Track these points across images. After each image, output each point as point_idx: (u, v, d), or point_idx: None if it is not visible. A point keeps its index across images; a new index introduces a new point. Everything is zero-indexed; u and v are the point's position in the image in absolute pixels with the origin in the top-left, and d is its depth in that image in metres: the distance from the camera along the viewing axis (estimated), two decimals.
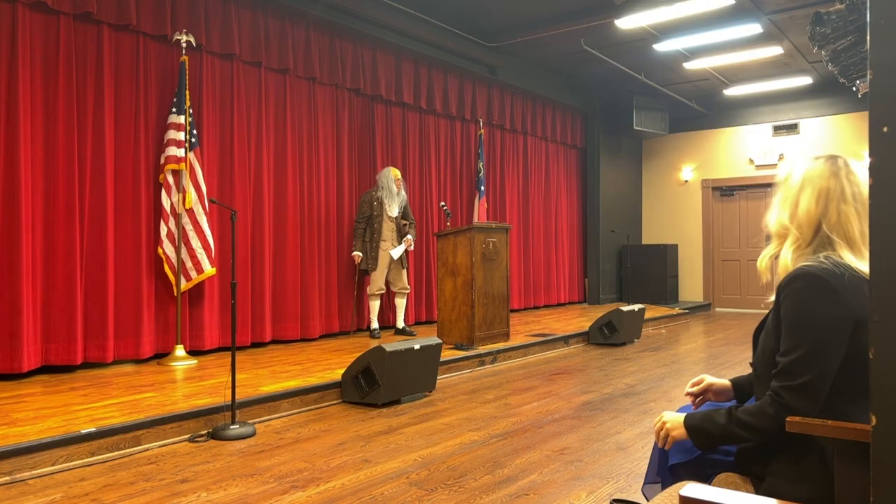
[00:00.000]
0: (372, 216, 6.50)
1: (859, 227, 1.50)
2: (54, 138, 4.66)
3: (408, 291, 6.76)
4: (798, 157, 1.65)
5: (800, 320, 1.45)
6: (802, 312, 1.45)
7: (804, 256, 1.53)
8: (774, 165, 10.67)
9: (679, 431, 1.65)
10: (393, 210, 6.53)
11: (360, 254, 6.48)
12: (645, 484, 1.97)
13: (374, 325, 6.62)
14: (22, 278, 4.37)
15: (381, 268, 6.53)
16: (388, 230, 6.55)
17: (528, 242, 9.66)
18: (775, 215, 1.62)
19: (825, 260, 1.47)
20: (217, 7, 5.61)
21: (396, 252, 6.50)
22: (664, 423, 1.68)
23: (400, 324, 6.71)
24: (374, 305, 6.62)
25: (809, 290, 1.45)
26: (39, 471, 2.97)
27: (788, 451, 1.58)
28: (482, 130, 8.52)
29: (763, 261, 1.63)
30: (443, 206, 6.65)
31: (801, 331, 1.45)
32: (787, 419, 1.48)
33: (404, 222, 6.65)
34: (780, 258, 1.57)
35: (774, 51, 8.19)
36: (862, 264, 1.46)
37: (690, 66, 8.79)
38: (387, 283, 6.66)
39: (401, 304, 6.73)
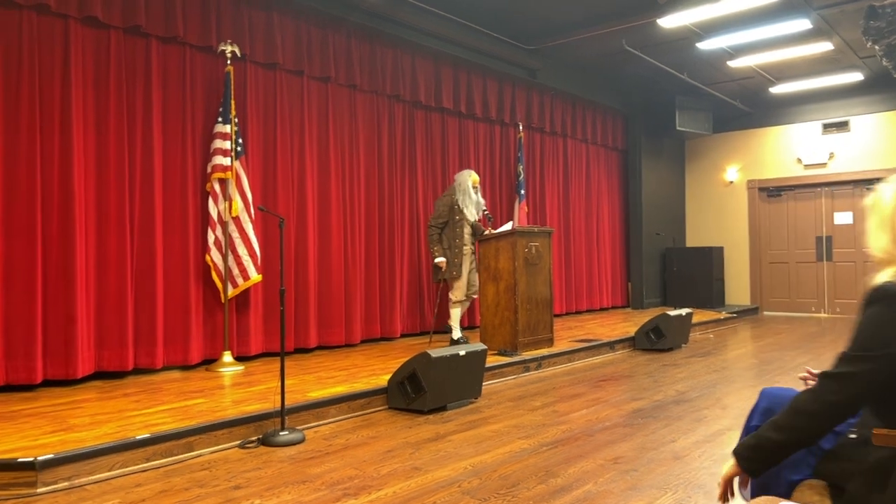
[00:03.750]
0: (451, 221, 6.24)
1: None
2: (105, 150, 4.76)
3: (476, 297, 6.48)
4: (884, 183, 1.67)
5: (860, 325, 1.53)
6: (865, 318, 1.53)
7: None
8: (824, 164, 10.35)
9: (729, 465, 1.65)
10: (472, 214, 6.31)
11: (445, 259, 6.20)
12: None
13: (457, 333, 6.30)
14: (76, 287, 4.48)
15: (465, 274, 6.27)
16: (468, 234, 6.32)
17: (569, 246, 9.54)
18: (876, 241, 1.64)
19: None
20: (260, 17, 5.68)
21: (507, 225, 6.25)
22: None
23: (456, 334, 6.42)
24: (457, 313, 6.33)
25: (881, 303, 1.51)
26: (97, 476, 3.01)
27: (869, 459, 1.50)
28: (522, 133, 8.45)
29: None
30: (484, 210, 6.54)
31: (857, 334, 1.52)
32: (874, 432, 1.42)
33: (479, 218, 6.41)
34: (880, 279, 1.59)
35: (824, 46, 7.94)
36: None
37: (735, 64, 8.59)
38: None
39: (466, 307, 6.50)
